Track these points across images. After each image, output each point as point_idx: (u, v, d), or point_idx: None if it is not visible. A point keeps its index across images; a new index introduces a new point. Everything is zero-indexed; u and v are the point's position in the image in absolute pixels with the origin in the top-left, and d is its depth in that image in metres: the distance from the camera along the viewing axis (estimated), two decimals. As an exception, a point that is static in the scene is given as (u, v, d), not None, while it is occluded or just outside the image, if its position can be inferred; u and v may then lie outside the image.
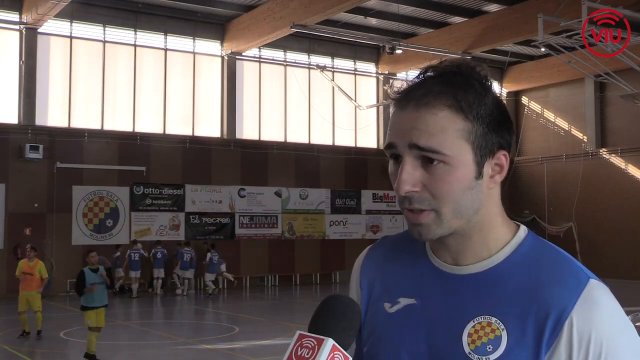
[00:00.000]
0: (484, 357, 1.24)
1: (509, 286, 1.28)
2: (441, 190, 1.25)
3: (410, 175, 1.25)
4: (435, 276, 1.36)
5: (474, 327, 1.27)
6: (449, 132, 1.24)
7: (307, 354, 1.16)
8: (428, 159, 1.25)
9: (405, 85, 1.31)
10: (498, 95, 1.31)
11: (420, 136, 1.24)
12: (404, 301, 1.37)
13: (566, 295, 1.23)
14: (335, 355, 1.16)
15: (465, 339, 1.27)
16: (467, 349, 1.26)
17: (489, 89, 1.29)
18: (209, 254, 22.03)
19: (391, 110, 1.32)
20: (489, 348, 1.24)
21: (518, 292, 1.27)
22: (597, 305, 1.21)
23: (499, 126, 1.29)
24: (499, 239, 1.33)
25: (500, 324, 1.25)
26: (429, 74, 1.30)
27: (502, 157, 1.30)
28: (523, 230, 1.37)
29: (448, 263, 1.35)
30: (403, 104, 1.28)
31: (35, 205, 21.25)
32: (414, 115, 1.25)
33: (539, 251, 1.32)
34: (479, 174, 1.27)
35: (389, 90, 1.33)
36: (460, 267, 1.33)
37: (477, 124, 1.26)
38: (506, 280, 1.29)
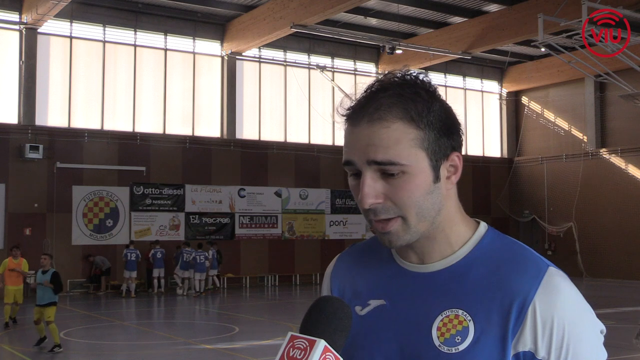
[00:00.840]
0: (453, 348, 1.30)
1: (472, 279, 1.34)
2: (403, 198, 1.31)
3: (371, 189, 1.30)
4: (402, 276, 1.42)
5: (442, 320, 1.33)
6: (404, 142, 1.29)
7: (300, 355, 1.17)
8: (387, 171, 1.30)
9: (354, 101, 1.35)
10: (444, 99, 1.37)
11: (376, 151, 1.29)
12: (373, 303, 1.42)
13: (527, 283, 1.29)
14: (327, 356, 1.17)
15: (434, 332, 1.32)
16: (437, 342, 1.31)
17: (434, 95, 1.34)
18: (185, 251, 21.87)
19: (344, 126, 1.36)
20: (458, 339, 1.30)
21: (482, 284, 1.33)
22: (558, 290, 1.28)
23: (449, 130, 1.34)
24: (461, 235, 1.40)
25: (467, 315, 1.31)
26: (375, 87, 1.35)
27: (456, 158, 1.36)
28: (483, 226, 1.43)
29: (414, 262, 1.41)
30: (356, 121, 1.33)
31: (35, 205, 21.26)
32: (368, 131, 1.30)
33: (499, 244, 1.38)
34: (437, 178, 1.34)
35: (338, 107, 1.37)
36: (426, 266, 1.39)
37: (429, 131, 1.31)
38: (470, 274, 1.35)
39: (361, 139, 1.31)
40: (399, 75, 1.35)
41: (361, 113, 1.32)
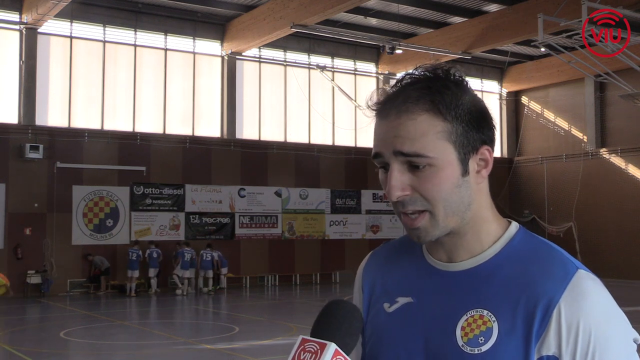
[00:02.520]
0: (476, 349, 1.29)
1: (499, 279, 1.33)
2: (430, 191, 1.31)
3: (398, 181, 1.31)
4: (430, 274, 1.41)
5: (466, 320, 1.32)
6: (430, 135, 1.29)
7: (310, 358, 1.17)
8: (414, 163, 1.30)
9: (383, 95, 1.37)
10: (475, 94, 1.37)
11: (403, 143, 1.29)
12: (402, 300, 1.42)
13: (554, 285, 1.26)
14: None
15: (459, 332, 1.31)
16: (460, 342, 1.31)
17: (465, 88, 1.35)
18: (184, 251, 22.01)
19: (373, 119, 1.38)
20: (481, 340, 1.29)
21: (508, 284, 1.31)
22: (585, 294, 1.25)
23: (479, 123, 1.35)
24: (491, 233, 1.38)
25: (492, 316, 1.30)
26: (406, 81, 1.35)
27: (486, 152, 1.37)
28: (514, 225, 1.41)
29: (443, 261, 1.40)
30: (384, 114, 1.34)
31: (35, 205, 21.25)
32: (396, 123, 1.31)
33: (529, 245, 1.36)
34: (465, 171, 1.33)
35: (368, 101, 1.38)
36: (454, 264, 1.38)
37: (457, 124, 1.31)
38: (497, 274, 1.34)
39: (389, 131, 1.32)
40: (429, 68, 1.36)
41: (390, 105, 1.33)
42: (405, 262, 1.48)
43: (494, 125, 1.39)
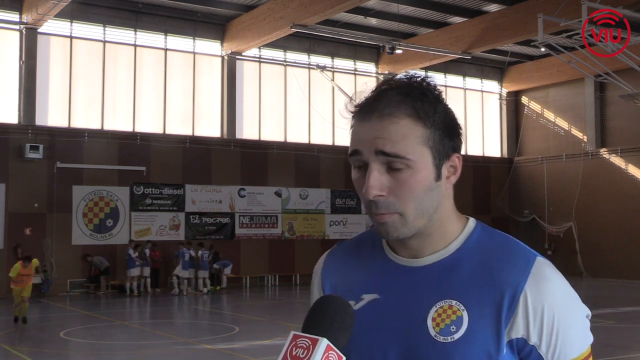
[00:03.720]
0: (449, 337, 1.36)
1: (464, 271, 1.41)
2: (405, 193, 1.37)
3: (377, 181, 1.36)
4: (395, 271, 1.46)
5: (436, 311, 1.38)
6: (411, 138, 1.36)
7: (302, 354, 1.18)
8: (392, 165, 1.36)
9: (362, 99, 1.42)
10: (446, 103, 1.44)
11: (384, 144, 1.35)
12: (367, 297, 1.46)
13: (518, 273, 1.36)
14: (330, 355, 1.18)
15: (430, 323, 1.38)
16: (432, 332, 1.37)
17: (439, 98, 1.42)
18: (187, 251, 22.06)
19: (351, 121, 1.43)
20: (453, 328, 1.36)
21: (473, 275, 1.40)
22: (547, 279, 1.36)
23: (451, 131, 1.42)
24: (453, 231, 1.46)
25: (460, 305, 1.37)
26: (384, 87, 1.41)
27: (456, 160, 1.43)
28: (472, 221, 1.49)
29: (405, 257, 1.47)
30: (365, 116, 1.39)
31: (35, 205, 21.26)
32: (378, 125, 1.36)
33: (488, 237, 1.45)
34: (438, 176, 1.40)
35: (348, 104, 1.44)
36: (417, 260, 1.45)
37: (434, 130, 1.38)
38: (461, 266, 1.41)
39: (370, 132, 1.37)
40: (405, 77, 1.42)
41: (371, 109, 1.39)
42: (366, 260, 1.52)
43: (462, 134, 1.46)
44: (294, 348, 1.19)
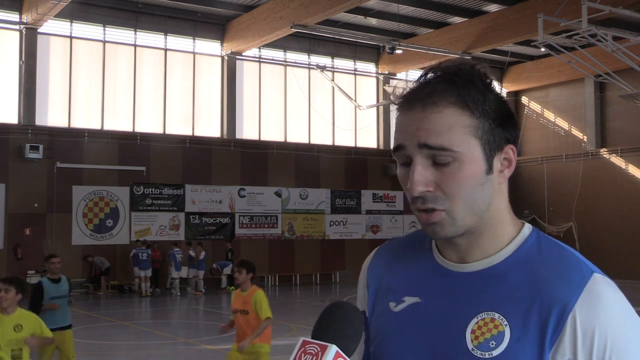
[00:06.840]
0: (487, 353, 1.24)
1: (512, 282, 1.28)
2: (453, 188, 1.26)
3: (422, 176, 1.25)
4: (440, 274, 1.36)
5: (477, 323, 1.27)
6: (457, 128, 1.25)
7: (311, 360, 1.16)
8: (438, 158, 1.25)
9: (407, 87, 1.32)
10: (498, 92, 1.32)
11: (428, 135, 1.24)
12: (409, 300, 1.38)
13: (569, 289, 1.22)
14: (339, 362, 1.16)
15: (468, 335, 1.27)
16: (470, 345, 1.26)
17: (490, 85, 1.30)
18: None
19: (395, 113, 1.32)
20: (492, 344, 1.24)
21: (521, 287, 1.27)
22: (601, 299, 1.20)
23: (505, 121, 1.30)
24: (506, 235, 1.33)
25: (503, 319, 1.25)
26: (430, 74, 1.30)
27: (510, 152, 1.31)
28: (527, 227, 1.36)
29: (453, 261, 1.35)
30: (408, 106, 1.29)
31: (35, 205, 21.25)
32: (421, 115, 1.26)
33: (543, 247, 1.31)
34: (489, 169, 1.28)
35: (391, 95, 1.33)
36: (466, 265, 1.33)
37: (484, 120, 1.26)
38: (510, 276, 1.29)
39: (413, 123, 1.26)
40: (454, 63, 1.31)
41: (414, 98, 1.28)
42: (413, 261, 1.43)
43: (518, 126, 1.33)
44: (302, 354, 1.17)
